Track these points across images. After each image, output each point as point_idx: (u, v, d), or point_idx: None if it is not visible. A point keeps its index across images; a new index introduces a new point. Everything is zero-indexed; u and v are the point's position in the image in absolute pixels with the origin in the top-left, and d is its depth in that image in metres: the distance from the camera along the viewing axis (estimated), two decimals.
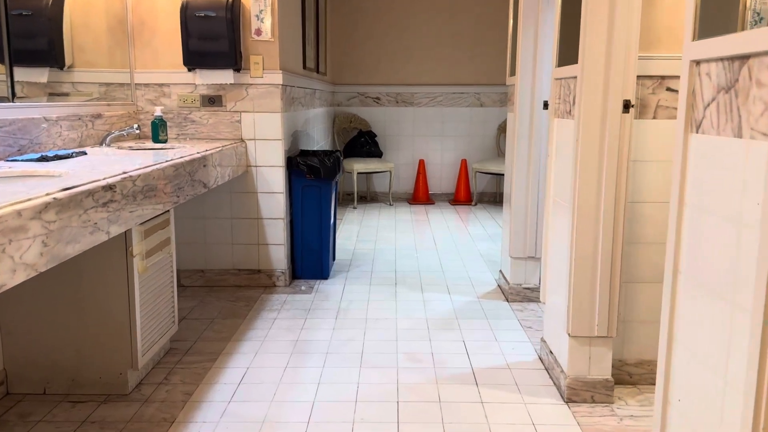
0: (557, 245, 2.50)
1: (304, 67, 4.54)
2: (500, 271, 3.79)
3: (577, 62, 2.21)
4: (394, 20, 6.79)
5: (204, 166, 2.84)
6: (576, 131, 2.21)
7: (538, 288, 3.49)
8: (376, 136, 6.79)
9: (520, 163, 3.39)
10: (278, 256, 3.74)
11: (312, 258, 3.88)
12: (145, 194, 2.15)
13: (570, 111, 2.34)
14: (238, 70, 3.52)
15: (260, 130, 3.62)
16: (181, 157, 2.58)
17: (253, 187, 3.67)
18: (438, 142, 6.96)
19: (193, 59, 3.42)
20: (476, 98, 6.87)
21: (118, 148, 3.06)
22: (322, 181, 3.79)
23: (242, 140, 3.62)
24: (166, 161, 2.41)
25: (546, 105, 3.32)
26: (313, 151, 4.16)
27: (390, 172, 6.60)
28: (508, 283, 3.51)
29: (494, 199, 7.01)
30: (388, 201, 6.79)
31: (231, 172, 3.30)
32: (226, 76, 3.48)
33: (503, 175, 6.91)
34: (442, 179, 7.05)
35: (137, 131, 3.04)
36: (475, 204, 6.74)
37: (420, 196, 6.87)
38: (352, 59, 6.82)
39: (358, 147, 6.66)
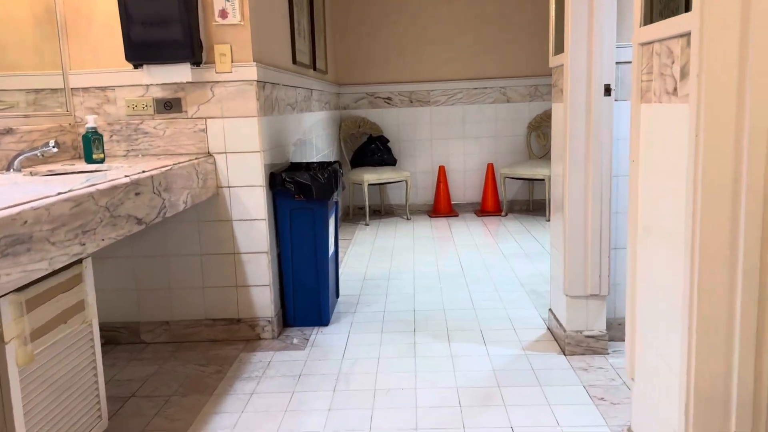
0: (653, 294, 1.64)
1: (294, 62, 3.73)
2: (550, 310, 2.92)
3: (687, 11, 1.36)
4: (405, 6, 5.96)
5: (137, 194, 2.03)
6: (694, 123, 1.35)
7: (605, 336, 2.62)
8: (388, 141, 5.96)
9: (575, 168, 2.52)
10: (262, 300, 2.92)
11: (307, 300, 3.05)
12: (13, 246, 1.35)
13: (675, 90, 1.48)
14: (197, 64, 2.71)
15: (232, 140, 2.81)
16: (92, 186, 1.77)
17: (225, 213, 2.86)
18: (460, 146, 6.10)
19: (138, 52, 2.62)
20: (502, 93, 6.00)
21: (31, 173, 2.26)
22: (316, 202, 2.97)
23: (209, 154, 2.82)
24: (59, 194, 1.60)
25: (608, 90, 2.46)
26: (306, 164, 3.33)
27: (406, 181, 5.76)
28: (564, 330, 2.65)
29: (527, 207, 6.12)
30: (405, 215, 5.95)
31: (190, 198, 2.49)
32: (182, 73, 2.68)
33: (538, 180, 6.10)
34: (465, 187, 6.18)
35: (53, 149, 2.25)
36: (505, 214, 5.86)
37: (441, 207, 6.01)
38: (357, 55, 6.01)
39: (368, 155, 5.84)
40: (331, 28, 5.81)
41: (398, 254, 4.52)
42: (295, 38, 3.71)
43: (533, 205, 6.11)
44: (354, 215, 6.12)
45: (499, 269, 4.02)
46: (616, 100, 2.53)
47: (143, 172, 2.14)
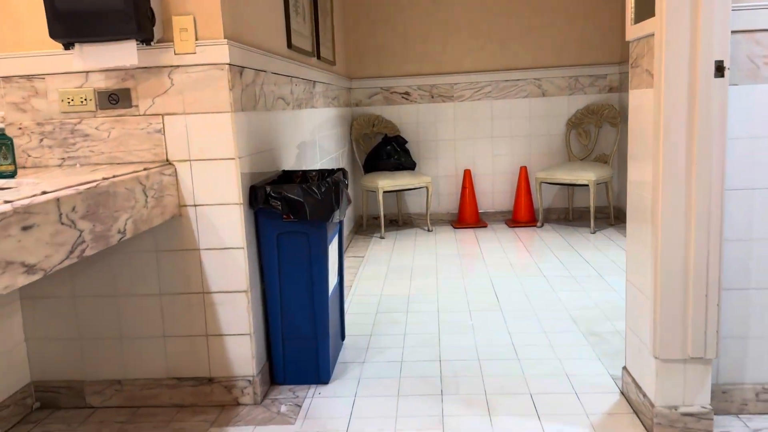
0: None
1: (290, 46, 3.03)
2: (626, 369, 2.17)
3: None
4: None
5: (25, 228, 1.34)
6: None
7: (710, 413, 1.87)
8: (406, 142, 5.24)
9: (673, 178, 1.78)
10: (241, 353, 2.22)
11: (301, 351, 2.35)
12: None
13: None
14: (148, 41, 2.02)
15: (198, 143, 2.12)
16: None
17: (191, 240, 2.17)
18: (488, 146, 5.36)
19: (66, 26, 1.94)
20: (536, 86, 5.24)
21: None
22: (311, 224, 2.26)
23: (168, 162, 2.12)
24: None
25: (720, 69, 1.72)
26: (302, 173, 2.63)
27: (426, 188, 5.03)
28: (652, 405, 1.90)
29: (565, 216, 5.36)
30: (426, 225, 5.22)
31: (131, 224, 1.80)
32: (125, 54, 1.99)
33: (579, 185, 5.07)
34: (495, 194, 5.43)
35: None
36: (541, 225, 5.10)
37: (467, 217, 5.28)
38: (371, 43, 5.30)
39: (383, 157, 5.12)
40: (341, 11, 5.10)
41: (418, 276, 3.79)
42: (290, 16, 3.01)
43: (573, 213, 5.34)
44: (368, 226, 5.41)
45: (543, 298, 3.27)
46: (731, 84, 1.79)
47: (44, 193, 1.45)
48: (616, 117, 5.03)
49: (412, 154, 5.32)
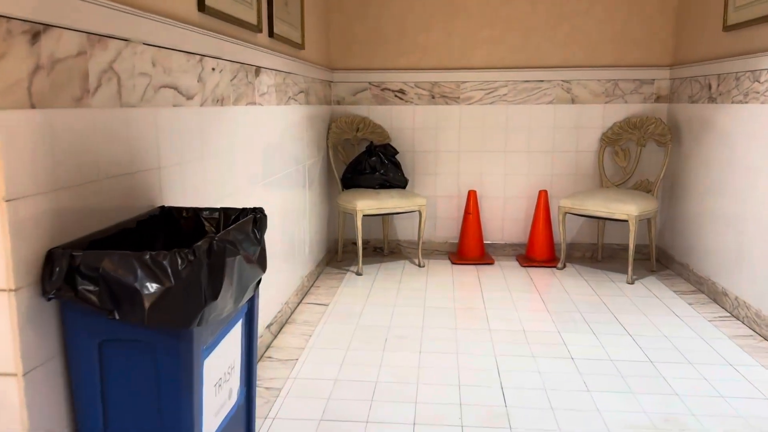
0: None
1: (203, 8, 1.96)
2: None
3: None
4: None
5: None
6: None
7: None
8: (396, 153, 4.17)
9: None
10: None
11: None
12: None
13: None
14: None
15: None
16: None
17: None
18: (499, 163, 4.28)
19: None
20: (565, 89, 4.16)
21: None
22: (161, 333, 1.19)
23: None
24: None
25: None
26: (195, 212, 1.58)
27: (419, 212, 3.97)
28: None
29: (591, 255, 4.28)
30: (417, 258, 4.16)
31: None
32: None
33: (615, 221, 4.04)
34: (505, 222, 4.36)
35: None
36: (563, 267, 4.02)
37: (469, 249, 4.21)
38: (359, 28, 4.23)
39: (366, 171, 4.05)
40: None
41: (394, 347, 2.73)
42: None
43: (603, 252, 4.26)
44: (345, 255, 4.35)
45: (572, 404, 2.20)
46: None
47: None
48: (665, 134, 3.94)
49: (403, 168, 4.25)
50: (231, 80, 2.21)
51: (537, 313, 3.16)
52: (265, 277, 2.64)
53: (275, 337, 2.81)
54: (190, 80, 1.86)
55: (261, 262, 1.51)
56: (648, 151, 4.13)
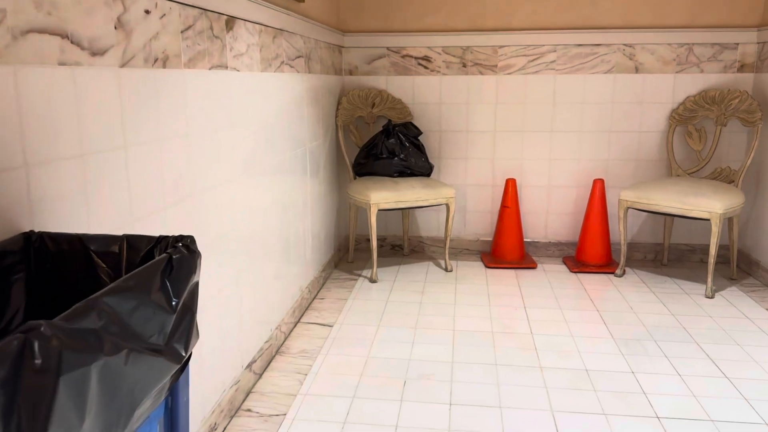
0: None
1: None
2: None
3: None
4: None
5: None
6: None
7: None
8: (420, 133, 3.46)
9: None
10: None
11: None
12: None
13: None
14: None
15: None
16: None
17: None
18: (545, 145, 3.55)
19: None
20: (627, 55, 3.40)
21: None
22: None
23: None
24: None
25: None
26: (53, 240, 0.89)
27: (447, 205, 3.27)
28: None
29: (655, 257, 3.55)
30: (444, 261, 3.47)
31: None
32: None
33: (696, 219, 2.89)
34: (550, 217, 3.64)
35: None
36: (622, 273, 3.30)
37: (507, 250, 3.51)
38: None
39: (383, 155, 3.36)
40: None
41: (416, 395, 2.06)
42: None
43: (669, 254, 3.53)
44: (357, 255, 3.67)
45: None
46: None
47: None
48: (754, 111, 3.17)
49: (427, 152, 3.54)
50: (182, 31, 1.53)
51: (599, 341, 2.46)
52: (248, 300, 1.97)
53: (259, 377, 2.16)
54: (99, 25, 1.18)
55: (181, 342, 0.85)
56: (729, 132, 3.36)
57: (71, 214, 1.11)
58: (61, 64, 1.08)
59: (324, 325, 2.63)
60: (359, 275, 3.31)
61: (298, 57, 2.60)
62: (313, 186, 2.91)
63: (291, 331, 2.55)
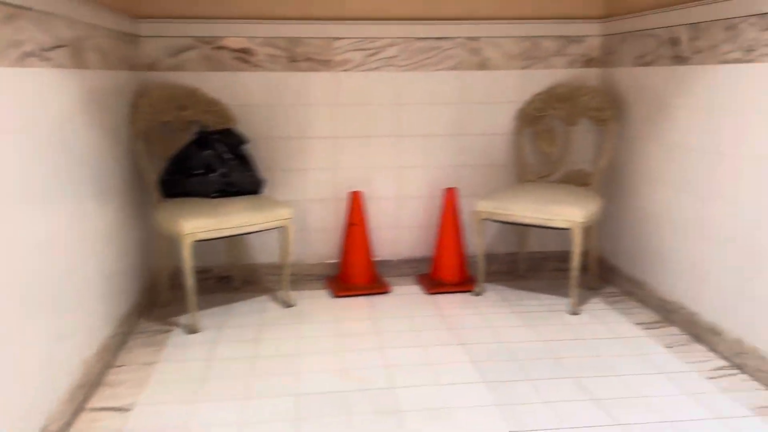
0: None
1: None
2: None
3: None
4: None
5: None
6: None
7: None
8: (245, 141, 2.84)
9: None
10: None
11: None
12: None
13: None
14: None
15: None
16: None
17: None
18: (390, 151, 3.12)
19: None
20: (472, 51, 3.07)
21: None
22: None
23: None
24: None
25: None
26: None
27: (284, 228, 2.70)
28: None
29: (509, 269, 3.27)
30: (284, 296, 2.89)
31: None
32: None
33: (556, 228, 2.59)
34: (400, 231, 3.22)
35: None
36: (479, 293, 2.97)
37: (355, 273, 3.02)
38: None
39: (198, 170, 2.69)
40: None
41: None
42: None
43: (524, 265, 3.27)
44: (177, 292, 2.96)
45: None
46: None
47: None
48: (603, 108, 2.99)
49: (256, 164, 2.94)
50: None
51: (470, 390, 2.06)
52: None
53: None
54: None
55: None
56: (581, 131, 3.17)
57: None
58: None
59: (119, 409, 1.94)
60: (175, 324, 2.62)
61: (58, 47, 1.87)
62: (99, 215, 2.19)
63: (69, 426, 1.82)
